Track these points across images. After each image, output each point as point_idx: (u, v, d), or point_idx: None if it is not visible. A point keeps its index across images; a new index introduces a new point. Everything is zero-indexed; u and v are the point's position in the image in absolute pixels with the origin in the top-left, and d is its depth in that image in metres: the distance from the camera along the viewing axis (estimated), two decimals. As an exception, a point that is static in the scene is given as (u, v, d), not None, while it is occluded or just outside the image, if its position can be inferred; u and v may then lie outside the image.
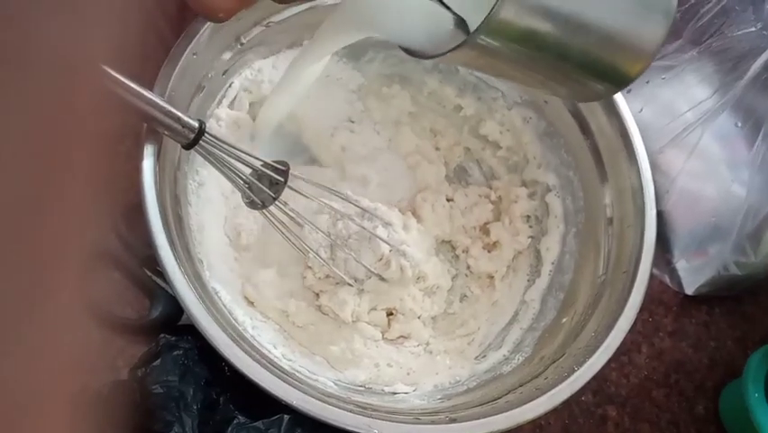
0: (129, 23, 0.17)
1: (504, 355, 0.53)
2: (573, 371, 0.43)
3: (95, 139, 0.18)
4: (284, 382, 0.40)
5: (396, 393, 0.51)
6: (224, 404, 0.45)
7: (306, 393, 0.40)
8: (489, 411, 0.42)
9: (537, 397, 0.42)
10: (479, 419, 0.42)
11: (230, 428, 0.43)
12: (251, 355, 0.40)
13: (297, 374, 0.47)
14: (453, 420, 0.42)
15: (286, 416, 0.42)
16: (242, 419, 0.43)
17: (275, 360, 0.47)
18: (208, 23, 0.47)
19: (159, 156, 0.44)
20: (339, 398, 0.44)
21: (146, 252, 0.40)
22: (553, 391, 0.43)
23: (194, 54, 0.47)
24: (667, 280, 0.66)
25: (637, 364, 0.61)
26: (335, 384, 0.50)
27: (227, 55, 0.52)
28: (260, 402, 0.41)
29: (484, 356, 0.54)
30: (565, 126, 0.58)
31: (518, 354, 0.52)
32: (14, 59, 0.15)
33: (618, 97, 0.54)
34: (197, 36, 0.48)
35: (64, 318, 0.19)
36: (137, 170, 0.41)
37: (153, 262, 0.40)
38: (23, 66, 0.16)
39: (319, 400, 0.40)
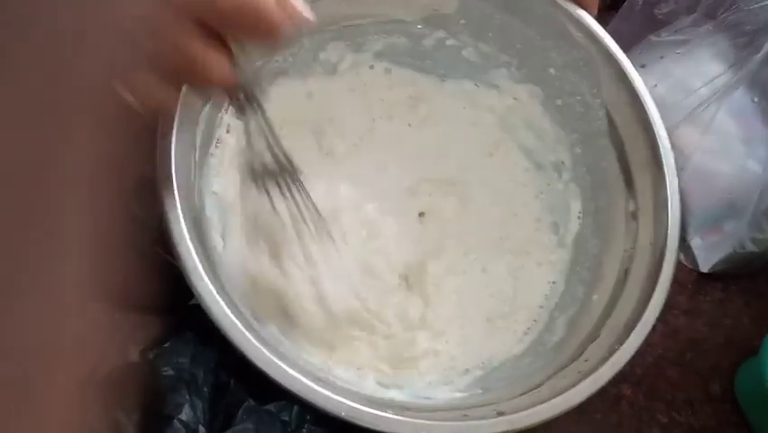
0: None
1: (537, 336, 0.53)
2: (614, 350, 0.42)
3: (100, 110, 0.18)
4: (291, 370, 0.39)
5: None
6: (234, 387, 0.44)
7: (312, 383, 0.38)
8: (534, 401, 0.41)
9: (581, 380, 0.41)
10: (526, 409, 0.40)
11: (240, 412, 0.43)
12: (259, 341, 0.39)
13: (307, 367, 0.46)
14: (501, 414, 0.41)
15: (298, 399, 0.42)
16: (252, 402, 0.43)
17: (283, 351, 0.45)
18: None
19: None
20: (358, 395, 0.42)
21: (157, 230, 0.39)
22: (596, 374, 0.42)
23: None
24: (682, 257, 0.65)
25: (652, 343, 0.61)
26: (348, 375, 0.48)
27: None
28: (272, 386, 0.40)
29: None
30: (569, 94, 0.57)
31: (551, 336, 0.52)
32: (17, 22, 0.15)
33: (630, 69, 0.52)
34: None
35: (72, 299, 0.18)
36: (154, 138, 0.40)
37: (164, 241, 0.39)
38: (26, 31, 0.15)
39: (320, 389, 0.39)
